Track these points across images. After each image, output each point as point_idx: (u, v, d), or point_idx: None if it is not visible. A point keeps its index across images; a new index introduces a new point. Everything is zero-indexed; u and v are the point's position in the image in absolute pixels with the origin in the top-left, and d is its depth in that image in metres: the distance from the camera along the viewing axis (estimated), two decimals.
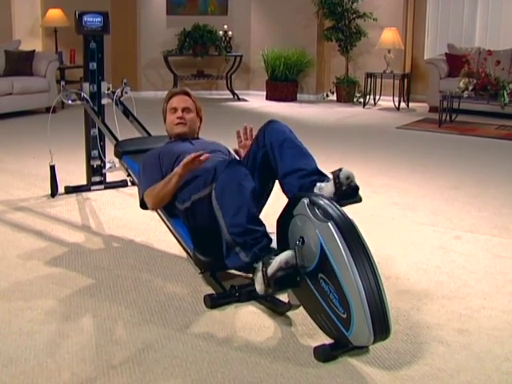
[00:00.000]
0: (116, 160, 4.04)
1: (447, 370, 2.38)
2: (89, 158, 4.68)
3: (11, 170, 5.32)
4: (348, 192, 2.57)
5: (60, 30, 9.24)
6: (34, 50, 8.56)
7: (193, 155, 2.87)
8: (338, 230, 2.30)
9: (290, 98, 9.89)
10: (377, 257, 3.41)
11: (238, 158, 3.27)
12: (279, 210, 2.64)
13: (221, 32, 9.96)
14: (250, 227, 2.60)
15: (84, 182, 4.75)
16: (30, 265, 3.33)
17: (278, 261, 2.42)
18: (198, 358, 2.43)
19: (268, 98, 10.00)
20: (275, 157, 2.83)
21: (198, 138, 3.47)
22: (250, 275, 3.06)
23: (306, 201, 2.44)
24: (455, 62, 8.72)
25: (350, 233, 2.32)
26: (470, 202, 4.60)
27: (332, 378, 2.32)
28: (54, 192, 4.56)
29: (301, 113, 8.93)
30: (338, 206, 2.42)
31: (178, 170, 2.92)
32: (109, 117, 4.54)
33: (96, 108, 4.53)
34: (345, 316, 2.29)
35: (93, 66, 4.52)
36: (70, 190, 4.65)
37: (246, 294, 2.89)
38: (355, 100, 9.74)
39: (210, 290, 2.99)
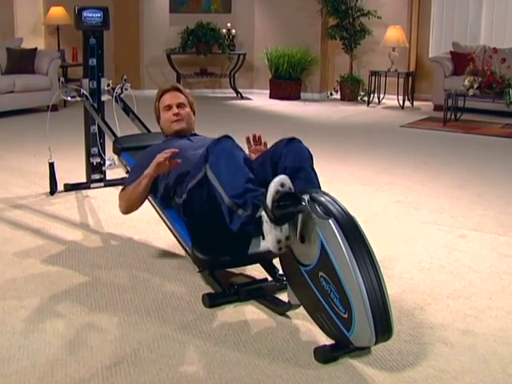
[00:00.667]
0: (116, 157, 3.98)
1: (451, 371, 2.31)
2: (88, 155, 4.62)
3: (11, 168, 5.27)
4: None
5: (62, 27, 9.18)
6: (35, 48, 8.51)
7: (164, 154, 2.82)
8: (339, 228, 2.24)
9: (294, 96, 9.82)
10: (380, 256, 3.35)
11: None
12: None
13: (224, 30, 9.89)
14: (248, 187, 2.55)
15: (84, 179, 4.69)
16: (26, 263, 3.27)
17: (272, 185, 2.33)
18: (195, 359, 2.37)
19: (271, 96, 9.93)
20: None
21: (195, 134, 3.40)
22: (249, 274, 3.04)
23: (306, 198, 2.38)
24: (460, 60, 8.65)
25: (352, 230, 2.25)
26: (474, 201, 4.53)
27: (332, 379, 2.25)
28: (52, 190, 4.50)
29: (304, 111, 8.86)
30: (339, 203, 2.35)
31: (148, 171, 2.89)
32: (109, 114, 4.48)
33: (96, 105, 4.47)
34: (346, 316, 2.22)
35: (92, 62, 4.46)
36: (69, 188, 4.59)
37: (245, 293, 2.82)
38: (359, 98, 9.66)
39: (208, 289, 2.92)
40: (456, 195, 4.67)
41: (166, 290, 2.95)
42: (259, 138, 3.14)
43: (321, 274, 2.30)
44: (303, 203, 2.34)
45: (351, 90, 9.68)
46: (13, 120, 7.67)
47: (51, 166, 4.48)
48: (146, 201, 3.16)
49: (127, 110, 4.44)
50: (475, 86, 7.54)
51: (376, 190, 4.80)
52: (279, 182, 2.33)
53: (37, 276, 3.10)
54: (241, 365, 2.33)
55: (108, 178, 4.71)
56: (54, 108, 8.06)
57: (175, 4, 10.06)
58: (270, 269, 3.00)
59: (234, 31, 9.95)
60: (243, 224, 2.52)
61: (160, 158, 2.88)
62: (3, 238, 3.62)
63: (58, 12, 9.16)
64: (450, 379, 2.26)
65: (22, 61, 8.34)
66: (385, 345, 2.38)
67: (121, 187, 4.51)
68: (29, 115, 7.88)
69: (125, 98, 4.55)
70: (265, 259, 2.96)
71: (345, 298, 2.21)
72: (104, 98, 4.54)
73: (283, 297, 2.75)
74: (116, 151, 3.77)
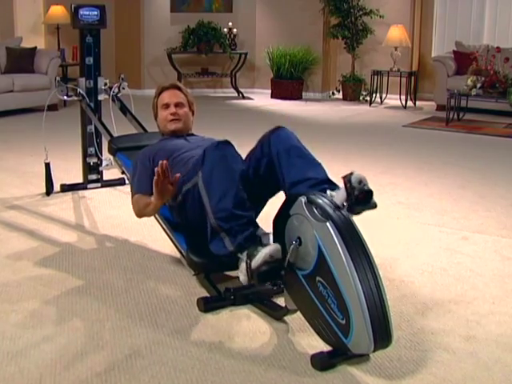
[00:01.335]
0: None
1: (453, 379, 2.23)
2: (85, 155, 4.56)
3: (8, 168, 5.21)
4: (361, 197, 2.35)
5: (62, 26, 9.10)
6: (35, 47, 8.45)
7: (157, 181, 2.60)
8: (336, 231, 2.16)
9: (296, 96, 9.76)
10: (380, 258, 3.30)
11: None
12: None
13: (225, 29, 9.83)
14: (235, 212, 2.50)
15: (81, 180, 4.63)
16: (18, 265, 3.20)
17: (262, 255, 2.34)
18: (188, 366, 2.29)
19: (273, 96, 9.87)
20: (281, 165, 2.65)
21: (192, 134, 3.32)
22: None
23: (303, 199, 2.31)
24: (463, 59, 8.57)
25: (350, 233, 2.18)
26: (477, 202, 4.45)
27: None
28: (49, 190, 4.44)
29: (306, 111, 8.79)
30: (337, 205, 2.28)
31: (154, 199, 2.71)
32: (106, 113, 4.41)
33: (92, 104, 4.40)
34: (343, 322, 2.15)
35: (89, 60, 4.40)
36: (65, 189, 4.52)
37: (241, 298, 2.75)
38: (361, 98, 9.59)
39: (204, 293, 2.85)
40: (458, 196, 4.60)
41: (160, 294, 2.88)
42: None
43: (318, 278, 2.23)
44: (283, 271, 2.39)
45: (353, 89, 9.61)
46: (12, 119, 7.61)
47: (47, 166, 4.41)
48: None
49: (124, 109, 4.37)
50: (478, 85, 7.47)
51: (377, 190, 4.66)
52: (269, 253, 2.34)
53: (29, 279, 3.04)
54: (235, 372, 2.26)
55: (105, 178, 4.64)
56: (54, 107, 8.02)
57: (176, 3, 10.00)
58: None
59: (235, 30, 9.88)
60: (223, 254, 2.56)
61: (158, 187, 2.63)
62: None
63: (57, 11, 9.09)
64: None
65: (22, 60, 8.28)
66: (384, 351, 2.31)
67: (118, 188, 4.56)
68: (28, 115, 7.81)
69: (123, 97, 4.48)
70: None
71: (342, 304, 2.14)
72: (101, 97, 4.48)
73: (280, 301, 2.67)
74: (111, 151, 3.70)
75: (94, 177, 4.60)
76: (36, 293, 2.89)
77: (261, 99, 9.74)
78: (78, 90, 4.35)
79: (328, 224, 2.18)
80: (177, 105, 3.24)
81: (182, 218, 2.91)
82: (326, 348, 2.30)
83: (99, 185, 4.60)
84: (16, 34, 9.11)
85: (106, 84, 4.47)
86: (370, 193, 2.38)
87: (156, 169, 2.56)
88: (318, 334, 2.32)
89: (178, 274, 3.09)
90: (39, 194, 4.44)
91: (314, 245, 2.23)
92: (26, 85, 7.98)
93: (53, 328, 2.56)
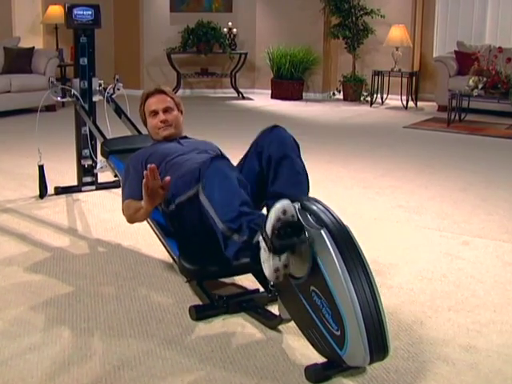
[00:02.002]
0: None
1: None
2: (79, 157, 4.48)
3: (3, 170, 5.14)
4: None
5: (61, 26, 9.00)
6: (33, 47, 8.38)
7: (147, 186, 2.50)
8: (331, 239, 2.08)
9: (296, 96, 9.68)
10: (379, 264, 3.22)
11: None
12: None
13: (225, 29, 9.76)
14: (243, 210, 2.35)
15: (76, 182, 4.55)
16: (8, 271, 3.12)
17: (273, 211, 2.13)
18: (178, 378, 2.21)
19: (273, 96, 9.80)
20: (269, 173, 2.62)
21: (185, 137, 3.24)
22: (240, 284, 2.90)
23: (297, 206, 2.22)
24: (465, 59, 8.49)
25: (345, 242, 2.10)
26: (479, 205, 4.37)
27: None
28: (42, 193, 4.36)
29: (306, 112, 8.72)
30: (332, 212, 2.20)
31: (144, 204, 2.60)
32: (101, 115, 4.33)
33: (87, 105, 4.33)
34: (338, 333, 2.07)
35: (83, 61, 4.32)
36: (59, 191, 4.45)
37: (234, 305, 2.67)
38: (362, 99, 9.52)
39: (196, 300, 2.77)
40: (459, 199, 4.51)
41: (151, 301, 2.80)
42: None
43: (312, 287, 2.15)
44: (306, 233, 2.15)
45: (354, 89, 9.53)
46: (9, 120, 7.54)
47: (41, 168, 4.34)
48: None
49: (119, 111, 4.29)
50: (480, 86, 7.39)
51: (377, 193, 4.64)
52: (281, 208, 2.12)
53: (18, 285, 2.96)
54: None
55: (100, 180, 4.57)
56: (52, 108, 7.96)
57: (176, 3, 9.94)
58: (262, 279, 2.84)
59: (235, 30, 9.81)
60: (239, 250, 2.33)
61: (147, 191, 2.52)
62: None
63: (56, 11, 9.01)
64: None
65: (19, 60, 8.22)
66: (381, 363, 2.22)
67: (113, 190, 4.48)
68: (25, 115, 7.73)
69: (119, 98, 4.40)
70: (256, 269, 2.80)
71: (337, 315, 2.06)
72: (96, 98, 4.40)
73: (275, 309, 2.59)
74: (104, 154, 3.62)
75: (88, 179, 4.52)
76: (24, 300, 2.81)
77: (261, 100, 9.67)
78: (72, 91, 4.28)
79: (322, 231, 2.10)
80: (165, 110, 3.13)
81: (175, 226, 2.82)
82: (320, 359, 2.22)
83: (94, 187, 4.53)
84: (14, 33, 9.04)
85: (100, 85, 4.39)
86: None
87: (145, 172, 2.47)
88: (313, 344, 2.24)
89: (170, 280, 3.02)
90: (33, 197, 4.37)
91: (307, 253, 2.15)
92: (23, 85, 7.91)
93: (39, 337, 2.48)
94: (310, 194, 2.55)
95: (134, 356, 2.35)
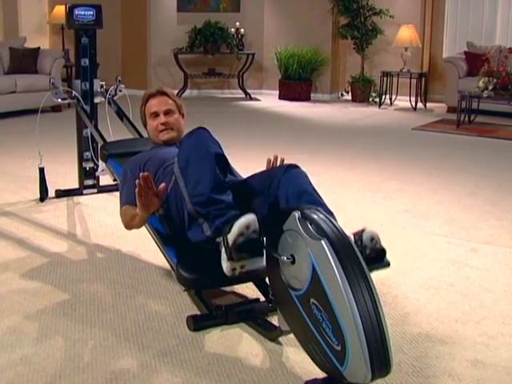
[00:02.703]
0: None
1: None
2: (81, 160, 4.41)
3: (5, 172, 5.07)
4: (373, 256, 2.23)
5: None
6: (38, 48, 8.33)
7: (140, 195, 2.43)
8: (331, 249, 1.99)
9: (304, 97, 9.59)
10: (384, 272, 3.10)
11: None
12: None
13: (233, 29, 9.68)
14: (213, 197, 2.38)
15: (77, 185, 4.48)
16: (3, 277, 3.05)
17: (237, 225, 2.18)
18: None
19: (281, 97, 9.71)
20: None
21: None
22: (241, 293, 2.81)
23: (297, 214, 2.13)
24: (475, 60, 8.38)
25: (346, 252, 2.00)
26: (488, 210, 4.27)
27: None
28: (43, 196, 4.29)
29: (314, 113, 8.62)
30: (334, 221, 2.11)
31: (139, 211, 2.54)
32: (103, 117, 4.27)
33: (88, 107, 4.26)
34: (339, 348, 1.98)
35: (85, 62, 4.26)
36: (60, 194, 4.38)
37: (234, 316, 2.59)
38: (371, 100, 9.42)
39: (195, 310, 2.69)
40: (468, 204, 4.41)
41: (149, 310, 2.72)
42: (282, 160, 2.89)
43: (312, 300, 2.06)
44: (264, 251, 2.21)
45: (362, 90, 9.44)
46: (14, 121, 7.48)
47: (41, 171, 4.27)
48: None
49: (120, 113, 4.21)
50: (490, 87, 7.28)
51: (384, 197, 4.55)
52: (245, 223, 2.17)
53: (13, 292, 2.89)
54: None
55: (102, 183, 4.49)
56: (58, 108, 7.91)
57: (183, 3, 9.87)
58: (263, 287, 2.77)
59: (242, 30, 9.73)
60: (200, 241, 2.44)
61: (141, 200, 2.44)
62: None
63: (62, 11, 8.88)
64: None
65: (25, 60, 8.16)
66: (384, 378, 2.13)
67: (115, 194, 4.40)
68: (31, 116, 7.65)
69: (122, 99, 4.32)
70: (257, 277, 2.72)
71: (338, 329, 1.97)
72: (97, 100, 4.34)
73: (275, 320, 2.50)
74: (103, 157, 3.54)
75: (90, 182, 4.46)
76: (19, 307, 2.73)
77: (268, 100, 9.59)
78: (73, 92, 4.21)
79: (323, 242, 2.01)
80: (166, 112, 3.04)
81: (170, 227, 2.75)
82: (320, 374, 2.13)
83: (95, 190, 4.46)
84: (20, 34, 8.99)
85: (102, 86, 4.32)
86: (382, 251, 2.27)
87: (137, 181, 2.39)
88: (313, 359, 2.15)
89: (169, 288, 2.94)
90: (33, 200, 4.30)
91: (307, 263, 2.06)
92: (28, 86, 7.84)
93: (32, 347, 2.40)
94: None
95: (127, 369, 2.27)
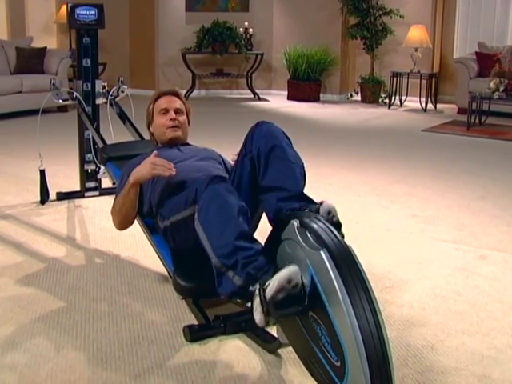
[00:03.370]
0: None
1: None
2: (82, 162, 4.34)
3: (7, 173, 5.01)
4: None
5: None
6: (45, 47, 8.27)
7: (163, 162, 2.52)
8: (331, 260, 1.90)
9: (313, 97, 9.50)
10: (389, 280, 3.04)
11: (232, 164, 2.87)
12: None
13: (241, 29, 9.60)
14: (239, 244, 2.14)
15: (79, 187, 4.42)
16: None
17: (277, 279, 1.93)
18: None
19: (290, 97, 9.62)
20: (260, 166, 2.42)
21: (187, 144, 3.08)
22: (240, 301, 2.72)
23: (295, 223, 2.05)
24: (486, 61, 8.25)
25: (346, 264, 1.91)
26: (498, 215, 4.16)
27: None
28: (43, 199, 4.22)
29: (323, 113, 8.53)
30: (333, 230, 2.02)
31: (131, 178, 2.58)
32: (105, 118, 4.19)
33: (90, 108, 4.18)
34: (338, 364, 1.89)
35: (86, 62, 4.18)
36: (61, 197, 4.31)
37: (232, 326, 2.50)
38: (380, 100, 9.30)
39: (192, 319, 2.61)
40: (478, 208, 4.30)
41: (145, 319, 2.64)
42: None
43: (311, 313, 1.97)
44: (306, 301, 1.98)
45: (372, 91, 9.33)
46: (20, 121, 7.41)
47: (42, 173, 4.20)
48: None
49: (122, 115, 4.13)
50: (501, 88, 7.16)
51: (391, 201, 4.44)
52: (287, 276, 1.93)
53: (7, 299, 2.81)
54: None
55: (104, 186, 4.42)
56: (64, 108, 7.85)
57: (191, 2, 9.79)
58: None
59: (251, 30, 9.64)
60: (233, 293, 2.18)
61: (158, 162, 2.51)
62: None
63: None
64: None
65: (31, 60, 8.11)
66: None
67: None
68: (36, 116, 7.55)
69: (124, 99, 4.24)
70: None
71: (337, 344, 1.88)
72: (99, 101, 4.26)
73: (275, 331, 2.41)
74: (102, 160, 3.46)
75: (92, 184, 4.39)
76: (12, 316, 2.66)
77: (277, 101, 9.50)
78: (75, 93, 4.13)
79: (322, 252, 1.92)
80: (176, 111, 2.99)
81: (169, 242, 2.66)
82: None
83: (97, 193, 4.39)
84: (27, 33, 8.95)
85: (104, 87, 4.25)
86: (338, 224, 2.22)
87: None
88: (311, 374, 2.06)
89: (166, 295, 2.85)
90: (34, 203, 4.23)
91: (306, 275, 1.97)
92: (35, 86, 7.77)
93: (22, 358, 2.33)
94: (321, 199, 2.34)
95: (120, 381, 2.19)
